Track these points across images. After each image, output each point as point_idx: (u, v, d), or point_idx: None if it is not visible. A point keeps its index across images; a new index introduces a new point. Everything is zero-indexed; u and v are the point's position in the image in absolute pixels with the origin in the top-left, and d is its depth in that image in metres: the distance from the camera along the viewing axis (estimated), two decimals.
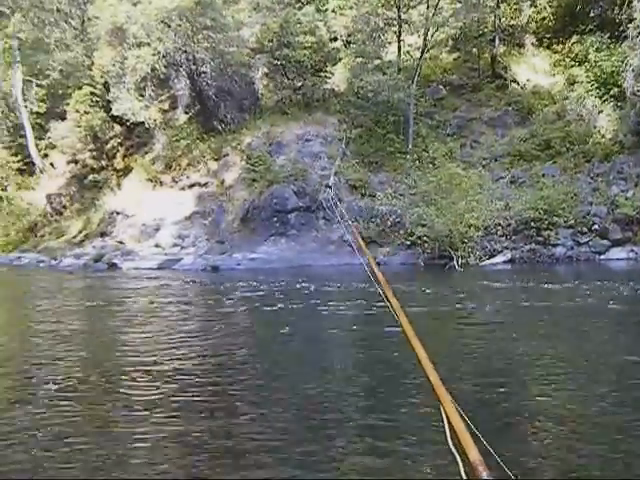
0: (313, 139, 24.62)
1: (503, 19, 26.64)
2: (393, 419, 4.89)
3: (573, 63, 25.65)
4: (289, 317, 10.16)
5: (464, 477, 1.80)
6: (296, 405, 5.33)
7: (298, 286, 14.02)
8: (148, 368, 6.69)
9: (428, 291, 13.21)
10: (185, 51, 26.34)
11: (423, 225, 19.15)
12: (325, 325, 9.65)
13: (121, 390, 5.89)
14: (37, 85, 33.53)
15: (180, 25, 25.69)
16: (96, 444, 4.49)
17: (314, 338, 8.56)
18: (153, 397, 5.57)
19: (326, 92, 26.49)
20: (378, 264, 19.28)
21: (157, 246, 24.09)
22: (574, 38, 25.81)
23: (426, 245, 19.02)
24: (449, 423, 1.94)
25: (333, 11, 28.98)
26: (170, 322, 10.09)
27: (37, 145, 34.11)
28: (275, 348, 8.02)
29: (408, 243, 19.79)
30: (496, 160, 23.06)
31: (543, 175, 21.58)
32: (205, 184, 25.59)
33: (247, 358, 7.39)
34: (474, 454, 1.75)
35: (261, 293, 13.20)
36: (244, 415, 5.04)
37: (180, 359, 7.18)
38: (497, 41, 25.91)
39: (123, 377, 6.39)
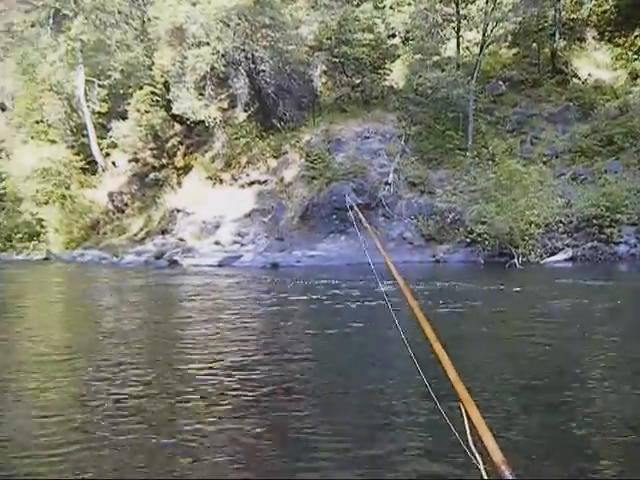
0: (372, 136, 24.94)
1: (563, 13, 26.55)
2: (412, 418, 4.97)
3: (636, 57, 25.48)
4: (351, 314, 10.26)
5: (485, 477, 1.82)
6: (352, 405, 5.38)
7: (357, 283, 14.11)
8: (211, 365, 6.77)
9: (489, 289, 13.16)
10: (244, 50, 26.93)
11: (483, 222, 19.26)
12: (385, 324, 9.47)
13: (183, 387, 5.96)
14: (99, 85, 34.54)
15: (239, 24, 26.25)
16: (158, 441, 4.52)
17: (377, 336, 8.55)
18: (215, 394, 5.66)
19: (385, 89, 26.81)
20: (437, 261, 19.69)
21: (217, 243, 24.71)
22: (637, 31, 25.66)
23: (486, 243, 19.13)
24: (469, 422, 1.93)
25: (391, 8, 29.21)
26: (233, 319, 10.11)
27: (99, 144, 35.24)
28: (340, 346, 8.09)
29: (468, 241, 19.94)
30: (557, 156, 23.03)
31: (605, 171, 21.42)
32: (264, 182, 26.16)
33: (312, 356, 7.50)
34: (497, 454, 1.74)
35: (322, 290, 13.28)
36: (305, 414, 5.11)
37: (243, 357, 7.24)
38: (557, 35, 25.83)
39: (185, 374, 6.47)
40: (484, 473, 1.80)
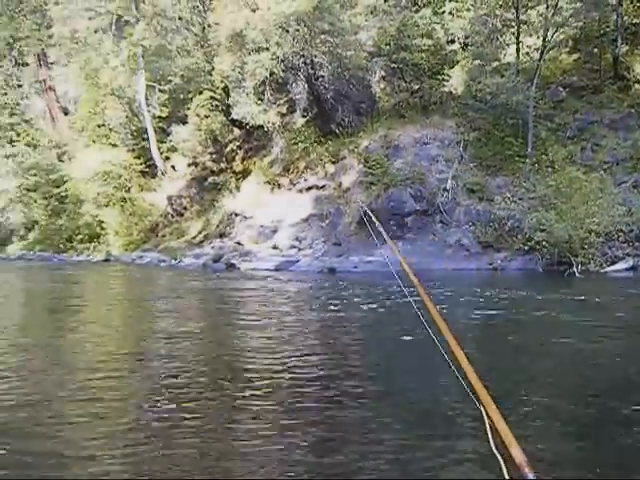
0: (430, 142, 25.26)
1: (625, 17, 26.26)
2: (432, 418, 5.25)
3: None
4: (407, 322, 10.20)
5: (507, 477, 1.84)
6: (399, 411, 5.57)
7: (413, 290, 14.04)
8: (270, 369, 6.92)
9: (550, 298, 13.21)
10: (303, 55, 27.43)
11: (542, 230, 19.34)
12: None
13: (243, 391, 6.12)
14: (159, 90, 35.65)
15: (298, 30, 26.75)
16: (210, 443, 4.68)
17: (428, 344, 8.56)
18: (273, 398, 5.85)
19: (443, 95, 27.00)
20: (494, 269, 19.89)
21: (275, 247, 25.32)
22: None
23: (545, 250, 19.23)
24: (490, 423, 1.95)
25: (450, 13, 29.36)
26: (292, 324, 10.35)
27: (159, 148, 36.42)
28: (396, 354, 8.23)
29: (526, 248, 20.01)
30: (618, 164, 22.92)
31: None
32: (322, 187, 26.65)
33: (366, 362, 7.70)
34: (519, 454, 1.76)
35: (379, 296, 13.37)
36: (354, 419, 5.35)
37: (303, 362, 7.34)
38: (619, 40, 25.61)
39: (245, 377, 6.63)
40: (506, 473, 1.82)
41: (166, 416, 5.36)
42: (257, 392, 6.04)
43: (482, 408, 2.03)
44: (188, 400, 5.90)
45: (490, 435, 1.93)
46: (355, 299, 13.51)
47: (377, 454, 4.51)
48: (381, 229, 4.38)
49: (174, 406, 5.70)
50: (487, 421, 1.98)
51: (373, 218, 4.86)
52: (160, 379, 6.80)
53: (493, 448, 1.89)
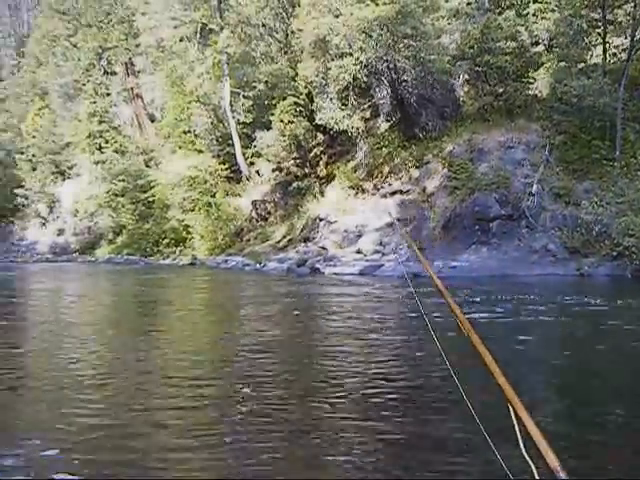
0: (515, 146, 25.43)
1: None
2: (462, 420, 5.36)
3: None
4: (493, 330, 10.29)
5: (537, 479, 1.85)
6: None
7: (500, 297, 14.18)
8: (353, 375, 7.13)
9: (636, 305, 13.08)
10: (386, 60, 28.05)
11: (631, 235, 19.35)
12: (527, 342, 9.59)
13: (328, 396, 6.29)
14: (244, 96, 36.78)
15: (381, 35, 27.34)
16: (295, 447, 4.89)
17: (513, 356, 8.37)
18: (357, 402, 6.08)
19: (528, 98, 27.09)
20: (581, 275, 20.00)
21: (359, 252, 25.88)
22: None
23: (634, 256, 19.17)
24: (521, 426, 1.94)
25: (534, 15, 29.27)
26: (378, 331, 10.42)
27: (244, 154, 37.67)
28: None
29: (614, 254, 19.99)
30: None
31: None
32: (406, 191, 27.13)
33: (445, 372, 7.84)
34: (550, 456, 1.76)
35: (465, 303, 13.13)
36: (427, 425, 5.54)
37: (388, 369, 7.46)
38: None
39: (329, 384, 6.81)
40: (536, 474, 1.83)
41: (244, 419, 5.60)
42: (348, 397, 6.30)
43: (512, 410, 2.01)
44: (269, 402, 6.13)
45: (520, 438, 1.91)
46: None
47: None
48: (408, 238, 4.42)
49: (255, 408, 5.96)
50: (516, 423, 1.97)
51: (398, 225, 5.24)
52: (247, 382, 7.00)
53: (523, 451, 1.91)
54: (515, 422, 1.97)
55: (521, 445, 1.93)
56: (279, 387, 6.93)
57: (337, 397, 6.34)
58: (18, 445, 4.94)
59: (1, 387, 6.95)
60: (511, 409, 2.01)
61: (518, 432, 1.95)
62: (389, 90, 29.40)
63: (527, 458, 1.90)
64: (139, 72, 50.52)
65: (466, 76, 29.01)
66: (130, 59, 49.42)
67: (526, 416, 1.94)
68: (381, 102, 30.18)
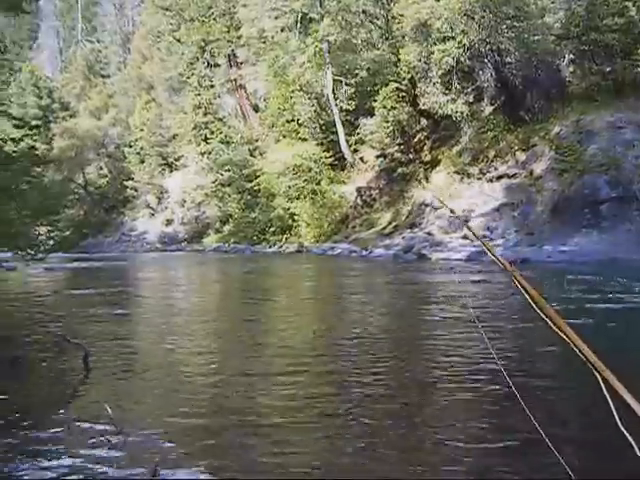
0: (625, 126, 25.00)
1: None
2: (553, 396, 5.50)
3: None
4: (607, 316, 9.85)
5: None
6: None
7: (611, 282, 13.71)
8: (459, 368, 6.86)
9: None
10: (489, 42, 28.20)
11: None
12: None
13: (430, 389, 6.22)
14: (346, 84, 37.42)
15: (484, 16, 27.49)
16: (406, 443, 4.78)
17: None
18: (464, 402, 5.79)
19: (638, 76, 26.57)
20: None
21: (465, 238, 25.89)
22: None
23: None
24: (617, 404, 1.76)
25: None
26: (489, 321, 9.91)
27: (347, 141, 38.44)
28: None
29: None
30: None
31: None
32: (513, 175, 27.26)
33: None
34: None
35: (581, 291, 12.72)
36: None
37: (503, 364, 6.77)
38: None
39: (433, 376, 6.64)
40: (638, 451, 1.71)
41: (350, 408, 5.56)
42: (446, 388, 6.19)
43: (602, 383, 1.83)
44: (373, 393, 6.04)
45: (615, 413, 1.76)
46: (560, 293, 12.70)
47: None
48: (467, 227, 3.81)
49: (358, 396, 5.95)
50: (609, 398, 1.74)
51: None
52: (346, 372, 7.00)
53: (621, 427, 1.75)
54: (608, 396, 1.77)
55: (617, 421, 1.75)
56: (396, 377, 6.83)
57: (453, 387, 6.20)
58: (139, 432, 5.02)
59: (117, 373, 7.31)
60: (600, 380, 1.82)
61: (613, 408, 1.76)
62: (493, 73, 29.56)
63: (626, 434, 1.73)
64: (242, 63, 51.84)
65: (571, 55, 28.74)
66: (233, 51, 50.80)
67: (622, 387, 1.75)
68: (485, 85, 30.32)
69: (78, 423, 5.25)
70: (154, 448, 4.59)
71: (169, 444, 4.74)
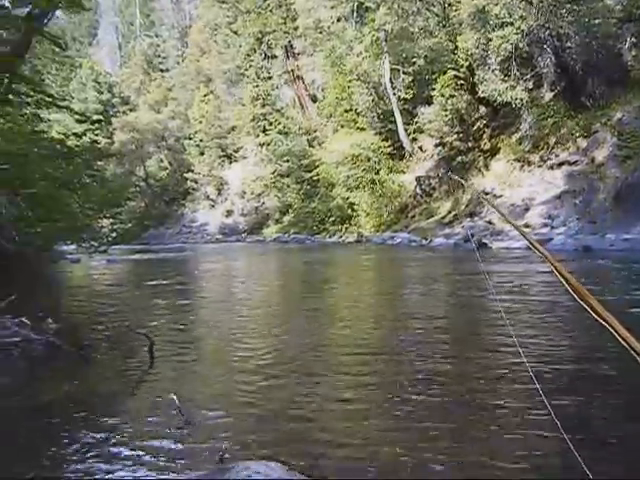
0: None
1: None
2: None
3: None
4: None
5: None
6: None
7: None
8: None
9: None
10: (548, 27, 27.90)
11: None
12: None
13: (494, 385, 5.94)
14: (404, 73, 37.66)
15: (542, 1, 27.21)
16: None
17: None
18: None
19: None
20: None
21: (527, 226, 25.77)
22: None
23: None
24: None
25: None
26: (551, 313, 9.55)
27: (406, 130, 38.58)
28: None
29: None
30: None
31: None
32: (574, 162, 27.03)
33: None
34: None
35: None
36: None
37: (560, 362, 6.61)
38: None
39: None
40: None
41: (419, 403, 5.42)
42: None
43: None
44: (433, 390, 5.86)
45: None
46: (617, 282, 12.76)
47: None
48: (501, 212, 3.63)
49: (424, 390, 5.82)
50: None
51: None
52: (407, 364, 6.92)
53: None
54: None
55: None
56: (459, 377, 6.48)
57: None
58: (205, 421, 5.16)
59: (182, 363, 7.47)
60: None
61: None
62: (552, 58, 29.28)
63: None
64: (299, 54, 52.48)
65: (633, 39, 28.23)
66: (289, 42, 51.48)
67: None
68: (544, 71, 30.08)
69: (145, 412, 5.50)
70: (220, 437, 4.71)
71: (235, 433, 4.85)
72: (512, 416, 5.03)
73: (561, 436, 2.89)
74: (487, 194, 29.57)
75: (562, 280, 2.17)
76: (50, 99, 17.42)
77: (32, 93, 16.12)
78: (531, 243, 2.40)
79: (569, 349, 7.39)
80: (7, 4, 15.98)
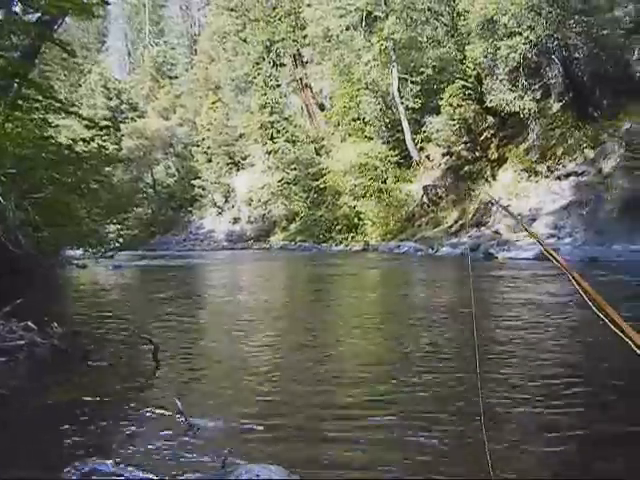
0: None
1: None
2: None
3: None
4: None
5: None
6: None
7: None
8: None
9: None
10: (557, 38, 27.99)
11: None
12: None
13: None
14: (412, 82, 37.65)
15: (551, 12, 27.26)
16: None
17: None
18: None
19: None
20: None
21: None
22: None
23: None
24: None
25: None
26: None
27: (413, 139, 38.60)
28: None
29: None
30: None
31: None
32: (582, 173, 26.96)
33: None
34: None
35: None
36: None
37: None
38: None
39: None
40: None
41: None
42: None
43: None
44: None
45: None
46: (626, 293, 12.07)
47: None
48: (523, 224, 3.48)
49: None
50: None
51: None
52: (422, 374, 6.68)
53: None
54: None
55: None
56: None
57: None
58: (208, 425, 5.12)
59: (186, 367, 7.47)
60: None
61: None
62: (560, 69, 29.33)
63: None
64: (307, 63, 52.70)
65: None
66: (298, 50, 51.68)
67: None
68: (552, 81, 30.13)
69: (148, 416, 5.49)
70: (223, 441, 4.70)
71: (238, 438, 4.85)
72: None
73: None
74: (494, 204, 29.51)
75: (579, 290, 2.15)
76: (59, 104, 17.48)
77: (41, 98, 16.17)
78: (549, 253, 2.38)
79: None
80: (17, 10, 16.11)
